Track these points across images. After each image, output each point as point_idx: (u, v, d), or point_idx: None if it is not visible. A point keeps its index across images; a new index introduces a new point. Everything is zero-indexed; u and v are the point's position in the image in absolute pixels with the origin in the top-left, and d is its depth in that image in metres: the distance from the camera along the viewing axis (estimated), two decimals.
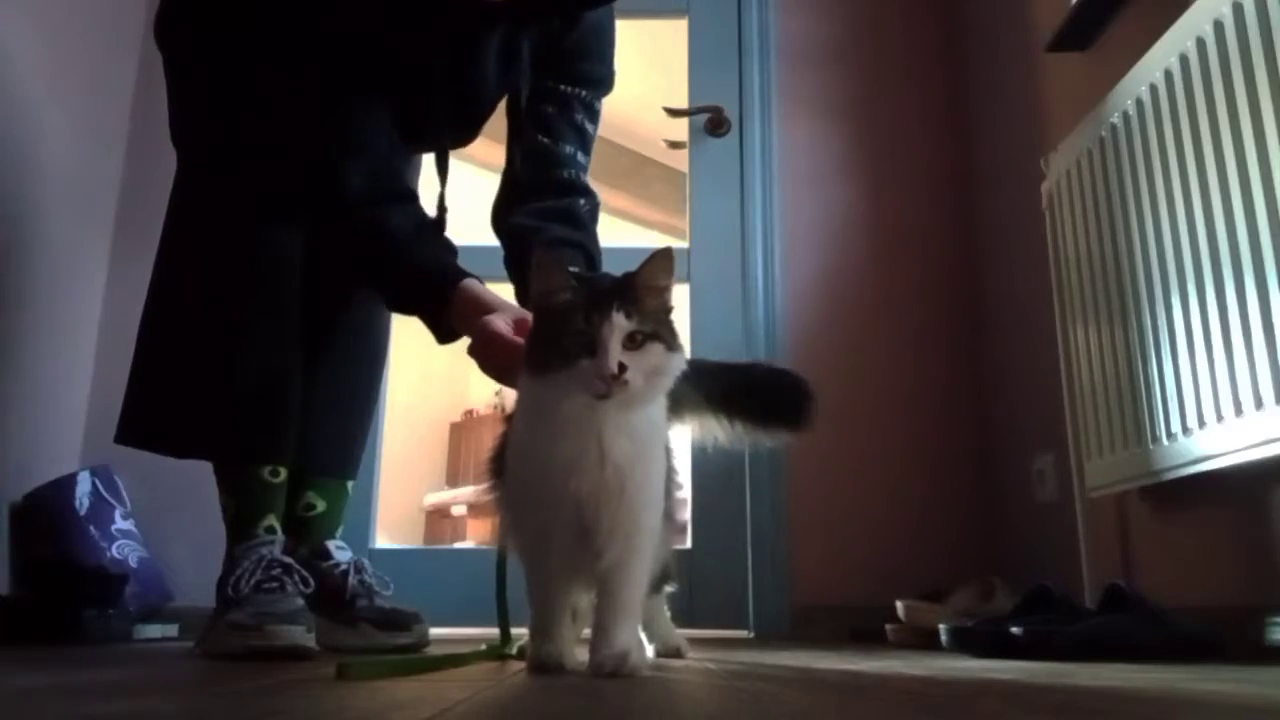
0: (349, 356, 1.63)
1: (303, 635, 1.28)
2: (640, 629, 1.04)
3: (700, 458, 2.30)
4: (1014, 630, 1.32)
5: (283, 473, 1.46)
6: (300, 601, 1.36)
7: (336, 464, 1.63)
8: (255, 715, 0.68)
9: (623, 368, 0.93)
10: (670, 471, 1.12)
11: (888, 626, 1.84)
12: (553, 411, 0.98)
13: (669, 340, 0.98)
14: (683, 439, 1.33)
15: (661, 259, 1.00)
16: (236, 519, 1.44)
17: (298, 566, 1.42)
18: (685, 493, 2.41)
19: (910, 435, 2.29)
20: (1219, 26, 1.30)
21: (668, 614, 1.35)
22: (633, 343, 0.94)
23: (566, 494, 0.97)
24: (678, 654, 1.31)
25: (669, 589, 1.31)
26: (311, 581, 1.44)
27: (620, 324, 0.94)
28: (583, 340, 0.94)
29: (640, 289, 0.98)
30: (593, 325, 0.93)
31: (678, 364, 0.99)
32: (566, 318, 0.95)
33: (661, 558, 1.15)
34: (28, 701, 0.76)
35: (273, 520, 1.45)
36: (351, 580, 1.54)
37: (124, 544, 2.02)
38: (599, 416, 0.96)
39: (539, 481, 1.00)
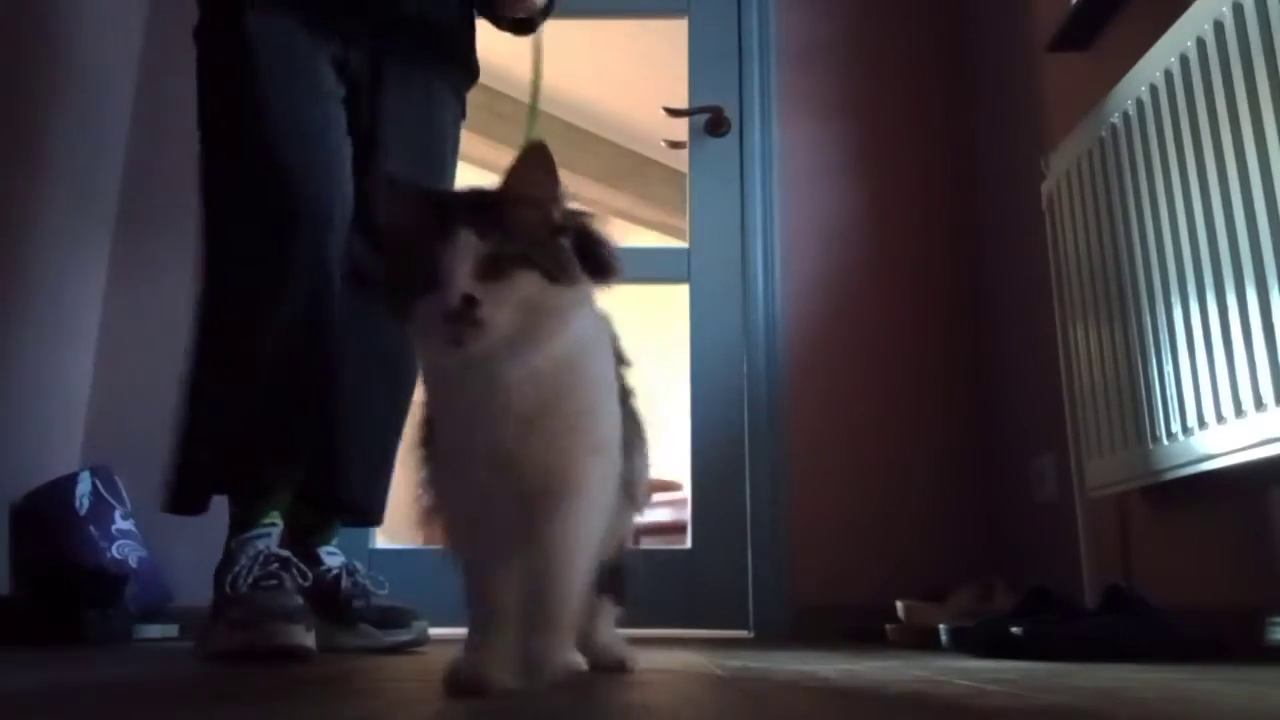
0: (374, 393, 1.56)
1: (302, 634, 1.27)
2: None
3: (700, 458, 2.30)
4: (1014, 630, 1.32)
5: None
6: (299, 599, 1.36)
7: (351, 511, 1.62)
8: (256, 716, 0.68)
9: (473, 301, 0.72)
10: (630, 427, 0.92)
11: (888, 626, 1.84)
12: (433, 366, 0.82)
13: (555, 268, 0.76)
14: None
15: (533, 157, 0.78)
16: (240, 513, 1.44)
17: (295, 560, 1.41)
18: (673, 472, 2.41)
19: (910, 435, 2.29)
20: (1219, 26, 1.30)
21: (611, 623, 1.10)
22: (493, 270, 0.73)
23: (474, 461, 0.80)
24: (621, 667, 1.05)
25: (618, 605, 1.08)
26: (309, 574, 1.43)
27: (470, 244, 0.72)
28: (424, 271, 0.73)
29: (505, 200, 0.77)
30: (434, 249, 0.73)
31: (572, 300, 0.78)
32: (407, 243, 0.76)
33: (613, 538, 0.96)
34: (29, 703, 0.76)
35: (275, 515, 1.44)
36: (345, 583, 1.54)
37: (124, 544, 2.02)
38: (490, 366, 0.76)
39: (447, 450, 0.84)
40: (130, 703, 0.76)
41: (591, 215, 0.87)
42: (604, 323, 0.89)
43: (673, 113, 2.52)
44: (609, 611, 1.08)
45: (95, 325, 2.30)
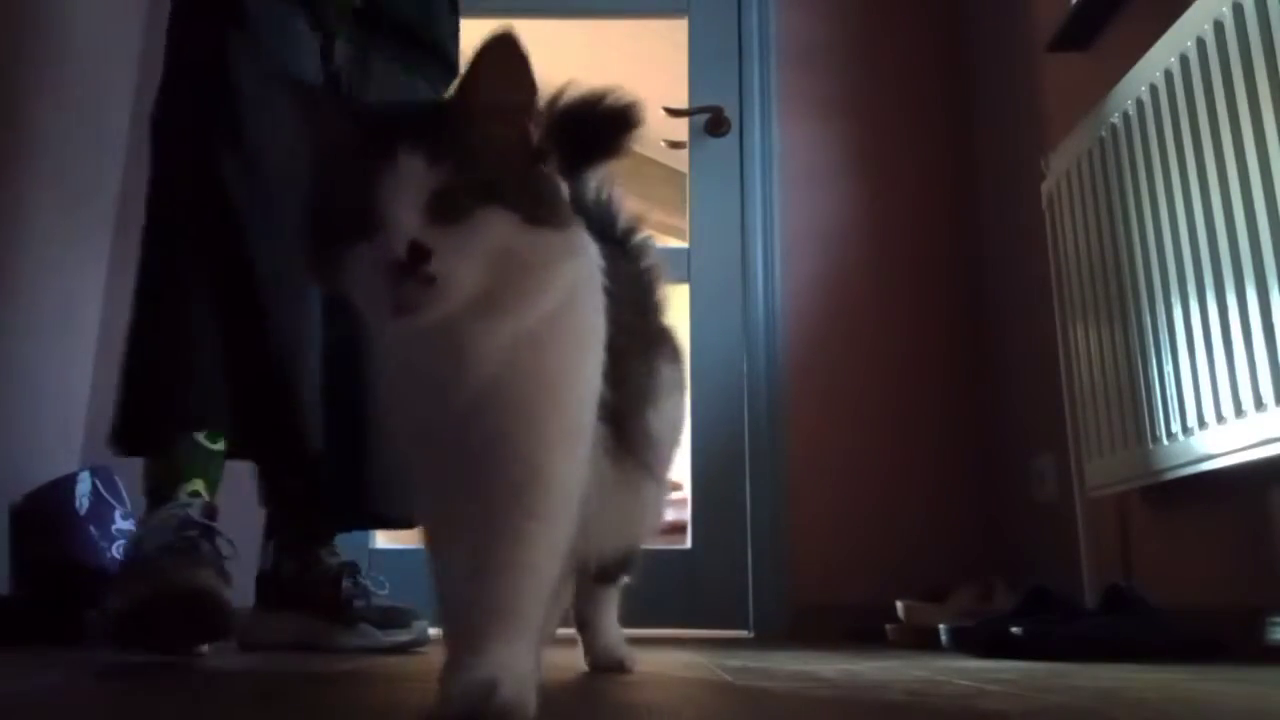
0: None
1: (211, 578, 1.09)
2: (547, 634, 0.71)
3: (700, 457, 2.30)
4: (1014, 630, 1.32)
5: (220, 440, 1.32)
6: (219, 561, 1.19)
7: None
8: (254, 715, 0.68)
9: (422, 252, 0.54)
10: (641, 382, 0.79)
11: (888, 626, 1.84)
12: (376, 331, 0.65)
13: (535, 205, 0.58)
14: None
15: (498, 52, 0.58)
16: (157, 485, 1.27)
17: (220, 531, 1.21)
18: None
19: (910, 435, 2.29)
20: (1219, 26, 1.30)
21: (615, 614, 1.06)
22: (450, 209, 0.55)
23: (430, 435, 0.65)
24: (620, 668, 1.02)
25: (624, 580, 1.03)
26: (234, 547, 1.25)
27: (416, 173, 0.55)
28: (355, 212, 0.55)
29: (463, 111, 0.59)
30: (368, 181, 0.55)
31: (560, 248, 0.61)
32: (332, 175, 0.59)
33: (635, 528, 0.87)
34: (30, 703, 0.76)
35: (199, 485, 1.26)
36: (345, 583, 1.54)
37: (124, 544, 2.01)
38: (451, 333, 0.59)
39: (395, 434, 0.68)
40: (130, 702, 0.76)
41: (567, 90, 0.74)
42: (591, 260, 0.70)
43: (673, 113, 2.52)
44: (612, 602, 1.03)
45: (95, 325, 2.30)
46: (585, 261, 0.68)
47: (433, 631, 1.61)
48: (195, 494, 1.25)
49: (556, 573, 0.65)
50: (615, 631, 1.06)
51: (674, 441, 0.93)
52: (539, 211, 0.58)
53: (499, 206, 0.57)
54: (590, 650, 1.05)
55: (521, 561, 0.61)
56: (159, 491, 1.26)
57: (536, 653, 0.63)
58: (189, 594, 1.04)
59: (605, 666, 1.03)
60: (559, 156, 0.67)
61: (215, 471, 1.31)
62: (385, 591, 1.59)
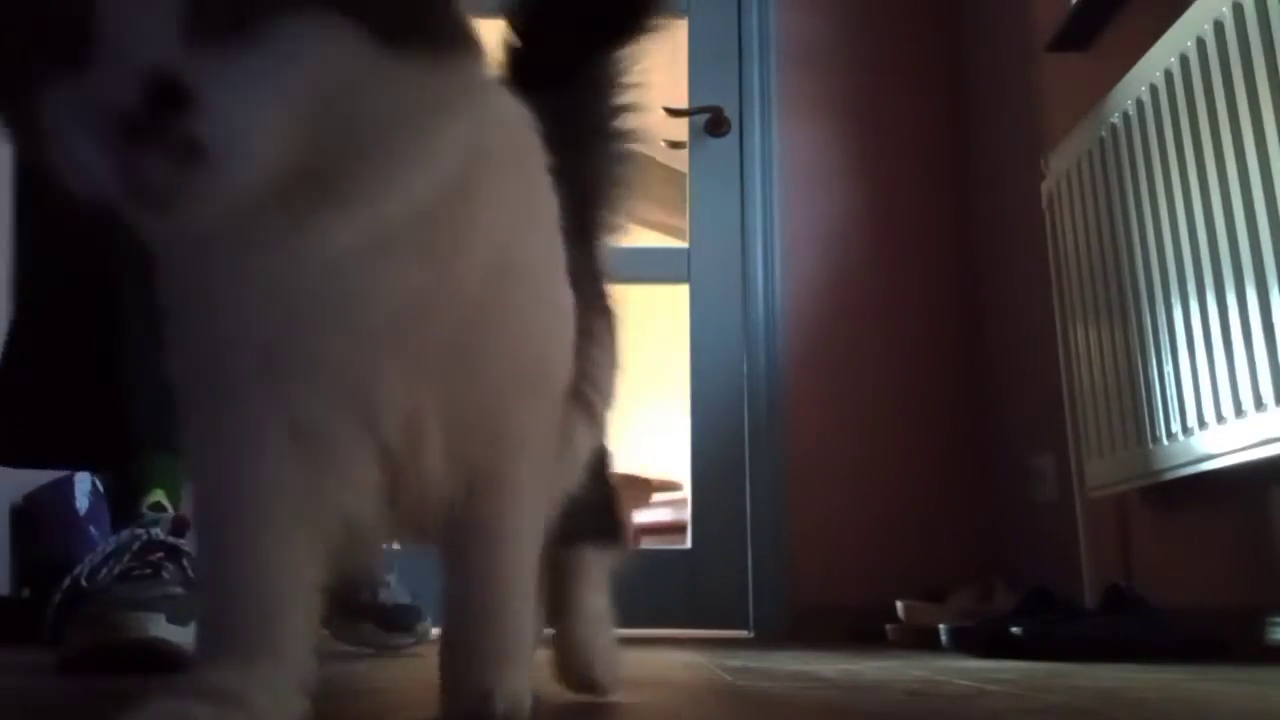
0: None
1: (160, 625, 0.96)
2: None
3: (700, 458, 2.31)
4: (1014, 630, 1.32)
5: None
6: (177, 589, 1.03)
7: None
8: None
9: (176, 95, 0.32)
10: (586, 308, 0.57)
11: (888, 626, 1.85)
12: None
13: (391, 11, 0.36)
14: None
15: None
16: (117, 498, 1.18)
17: (188, 551, 1.07)
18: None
19: (910, 435, 2.29)
20: (1219, 26, 1.30)
21: (602, 588, 0.74)
22: (227, 13, 0.33)
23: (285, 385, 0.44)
24: (594, 688, 0.71)
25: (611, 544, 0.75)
26: None
27: None
28: (49, 17, 0.33)
29: None
30: None
31: (443, 89, 0.38)
32: None
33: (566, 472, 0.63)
34: (30, 703, 0.76)
35: (160, 496, 1.14)
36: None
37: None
38: (268, 242, 0.38)
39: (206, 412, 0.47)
40: (130, 701, 0.76)
41: None
42: (518, 121, 0.50)
43: (673, 113, 2.52)
44: (596, 570, 0.73)
45: None
46: (499, 115, 0.46)
47: (434, 632, 1.60)
48: (158, 506, 1.12)
49: (539, 552, 0.56)
50: (599, 631, 0.72)
51: (613, 379, 0.71)
52: (404, 22, 0.35)
53: (327, 10, 0.33)
54: (560, 653, 0.72)
55: (498, 564, 0.54)
56: (121, 507, 1.15)
57: (531, 652, 0.59)
58: (134, 647, 0.94)
59: (576, 681, 0.72)
60: (549, 35, 0.46)
61: (174, 476, 1.15)
62: (390, 582, 1.54)
